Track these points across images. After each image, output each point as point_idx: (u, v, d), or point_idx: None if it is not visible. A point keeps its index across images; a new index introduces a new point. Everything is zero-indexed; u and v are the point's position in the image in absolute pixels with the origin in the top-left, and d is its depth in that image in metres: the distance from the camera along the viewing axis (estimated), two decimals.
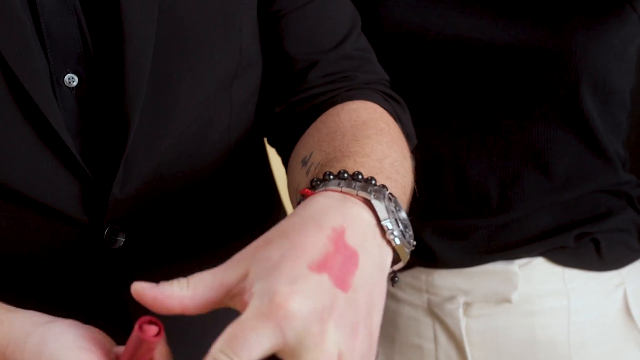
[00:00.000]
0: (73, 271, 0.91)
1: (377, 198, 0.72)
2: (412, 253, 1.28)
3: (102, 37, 0.85)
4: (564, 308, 1.25)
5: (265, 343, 0.62)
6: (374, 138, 0.85)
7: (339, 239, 0.67)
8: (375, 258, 0.69)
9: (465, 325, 1.26)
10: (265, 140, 1.06)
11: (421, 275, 1.29)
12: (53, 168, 0.85)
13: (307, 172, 0.85)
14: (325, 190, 0.74)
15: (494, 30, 1.18)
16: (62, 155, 0.84)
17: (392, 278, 0.76)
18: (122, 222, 0.90)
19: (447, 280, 1.28)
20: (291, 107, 0.98)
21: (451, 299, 1.27)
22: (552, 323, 1.25)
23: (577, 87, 1.18)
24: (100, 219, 0.88)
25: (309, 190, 0.75)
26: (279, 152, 1.02)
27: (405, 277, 1.31)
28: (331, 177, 0.75)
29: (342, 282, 0.65)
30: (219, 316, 0.73)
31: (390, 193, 0.74)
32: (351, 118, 0.90)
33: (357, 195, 0.72)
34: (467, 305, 1.27)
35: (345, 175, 0.75)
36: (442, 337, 1.29)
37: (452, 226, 1.27)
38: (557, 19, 1.18)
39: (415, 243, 0.75)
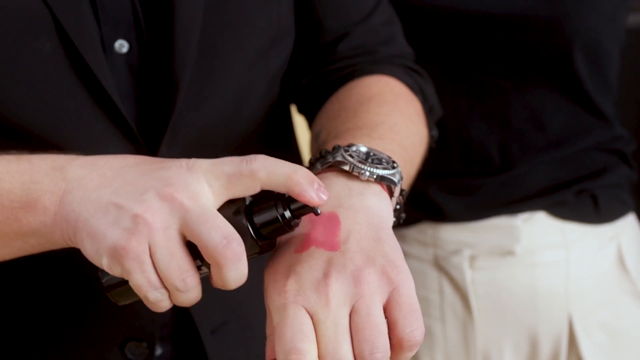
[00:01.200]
0: None
1: (336, 158, 0.79)
2: (419, 208, 1.34)
3: (152, 5, 0.89)
4: (563, 260, 1.32)
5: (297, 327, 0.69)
6: (373, 110, 0.91)
7: (313, 215, 0.74)
8: (357, 205, 0.76)
9: (470, 277, 1.32)
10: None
11: (427, 229, 1.35)
12: (103, 129, 0.88)
13: (317, 149, 0.92)
14: None
15: (490, 1, 1.23)
16: (113, 116, 0.88)
17: (399, 214, 0.83)
18: None
19: (452, 234, 1.34)
20: (318, 78, 1.03)
21: (457, 252, 1.33)
22: (551, 274, 1.32)
23: (570, 52, 1.25)
24: None
25: None
26: (307, 120, 1.06)
27: (411, 232, 1.37)
28: (315, 162, 0.83)
29: (330, 245, 0.73)
30: None
31: (349, 145, 0.80)
32: (359, 93, 0.96)
33: (321, 169, 0.80)
34: (472, 258, 1.32)
35: (320, 154, 0.82)
36: (448, 289, 1.35)
37: (456, 184, 1.33)
38: None
39: (396, 166, 0.80)
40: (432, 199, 1.33)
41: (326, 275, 0.70)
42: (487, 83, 1.28)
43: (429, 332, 1.36)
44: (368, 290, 0.69)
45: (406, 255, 1.37)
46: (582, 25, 1.23)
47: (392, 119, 0.91)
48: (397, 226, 0.81)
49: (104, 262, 0.71)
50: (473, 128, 1.30)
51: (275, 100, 1.03)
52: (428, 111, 1.01)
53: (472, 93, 1.28)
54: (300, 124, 1.14)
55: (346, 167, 0.78)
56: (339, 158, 0.78)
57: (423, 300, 1.37)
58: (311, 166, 0.82)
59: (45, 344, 0.93)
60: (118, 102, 0.87)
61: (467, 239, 1.33)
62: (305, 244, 0.73)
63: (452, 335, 1.35)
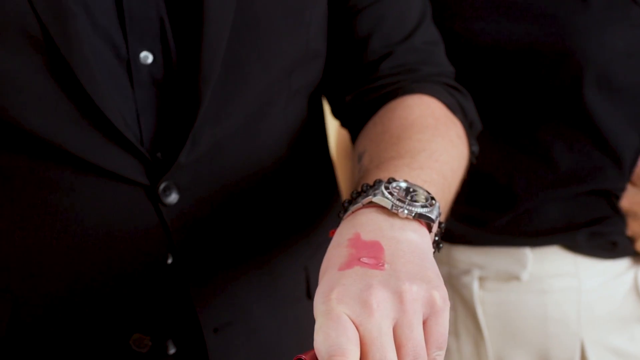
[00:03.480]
0: (127, 230, 0.97)
1: (376, 195, 0.80)
2: None
3: (180, 20, 0.91)
4: (575, 288, 1.29)
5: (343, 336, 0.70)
6: (415, 137, 0.93)
7: (356, 241, 0.76)
8: (399, 237, 0.77)
9: (479, 297, 1.32)
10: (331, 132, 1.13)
11: (443, 248, 1.35)
12: (111, 149, 0.91)
13: (359, 171, 0.95)
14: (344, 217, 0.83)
15: (498, 32, 1.19)
16: (120, 142, 0.91)
17: (437, 245, 0.85)
18: (178, 183, 0.95)
19: (464, 254, 1.34)
20: (361, 96, 1.04)
21: (467, 272, 1.33)
22: (563, 301, 1.29)
23: (579, 86, 1.19)
24: (157, 180, 0.94)
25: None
26: (350, 135, 1.09)
27: None
28: (357, 196, 0.84)
29: (375, 264, 0.74)
30: None
31: (389, 181, 0.81)
32: (401, 116, 0.97)
33: (362, 205, 0.81)
34: (481, 279, 1.32)
35: (362, 189, 0.84)
36: (460, 307, 1.35)
37: (466, 213, 1.31)
38: (558, 21, 1.18)
39: (434, 203, 0.81)
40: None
41: (370, 287, 0.71)
42: (495, 117, 1.26)
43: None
44: (412, 308, 0.71)
45: None
46: (592, 58, 1.18)
47: (434, 145, 0.92)
48: None
49: None
50: (483, 159, 1.27)
51: (302, 115, 1.05)
52: (468, 128, 1.03)
53: (483, 121, 1.26)
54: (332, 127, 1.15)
55: (386, 205, 0.79)
56: (379, 196, 0.80)
57: None
58: (353, 200, 0.84)
59: (56, 337, 0.97)
60: (122, 128, 0.90)
61: (477, 261, 1.33)
62: (349, 263, 0.75)
63: (466, 349, 1.36)
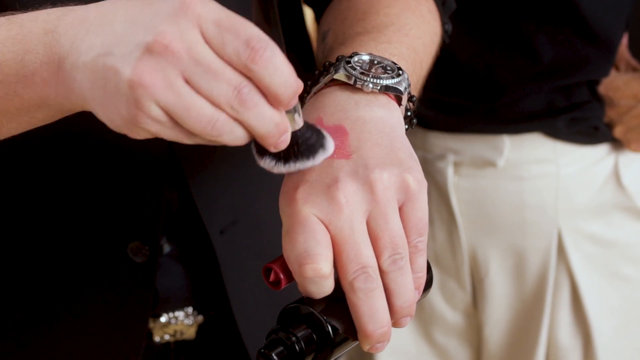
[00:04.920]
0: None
1: (338, 71, 0.75)
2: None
3: None
4: (553, 174, 1.27)
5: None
6: (382, 11, 0.87)
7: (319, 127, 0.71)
8: (365, 116, 0.72)
9: (453, 183, 1.30)
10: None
11: (418, 132, 1.32)
12: None
13: (323, 51, 0.89)
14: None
15: None
16: None
17: (411, 121, 0.80)
18: None
19: (439, 139, 1.31)
20: None
21: (442, 157, 1.31)
22: (540, 188, 1.27)
23: None
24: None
25: None
26: (315, 15, 1.02)
27: None
28: (319, 76, 0.78)
29: (339, 154, 0.69)
30: None
31: (351, 55, 0.76)
32: None
33: (324, 85, 0.76)
34: (456, 164, 1.30)
35: (324, 67, 0.78)
36: (434, 194, 1.33)
37: (444, 101, 1.29)
38: None
39: (402, 73, 0.75)
40: (420, 112, 1.28)
41: (337, 180, 0.67)
42: (478, 6, 1.21)
43: None
44: (384, 197, 0.67)
45: None
46: None
47: (403, 19, 0.86)
48: None
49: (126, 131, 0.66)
50: (461, 50, 1.24)
51: None
52: (441, 4, 0.96)
53: (462, 15, 1.20)
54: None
55: (348, 80, 0.74)
56: (341, 71, 0.75)
57: None
58: (315, 80, 0.79)
59: (47, 250, 0.92)
60: None
61: (452, 146, 1.30)
62: None
63: (440, 236, 1.34)
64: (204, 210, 0.92)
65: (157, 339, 0.94)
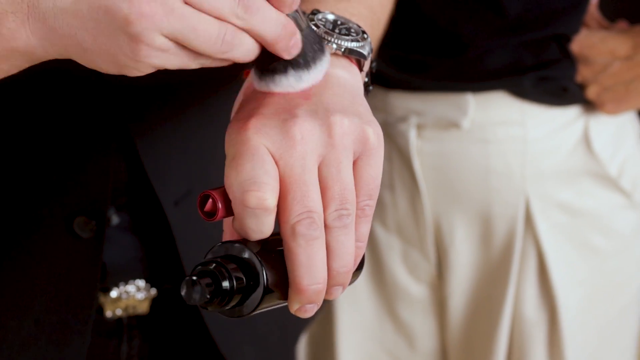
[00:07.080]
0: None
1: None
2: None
3: None
4: (520, 137, 1.23)
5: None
6: None
7: None
8: (329, 72, 0.70)
9: (416, 146, 1.25)
10: None
11: (378, 93, 1.27)
12: None
13: None
14: None
15: None
16: None
17: (367, 87, 0.77)
18: None
19: (400, 100, 1.26)
20: None
21: (404, 119, 1.26)
22: (507, 152, 1.23)
23: None
24: None
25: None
26: None
27: None
28: None
29: (301, 94, 0.67)
30: None
31: (313, 12, 0.73)
32: None
33: None
34: (419, 127, 1.26)
35: None
36: (396, 158, 1.28)
37: (405, 59, 1.25)
38: None
39: (366, 37, 0.73)
40: (381, 70, 1.23)
41: (295, 116, 0.64)
42: None
43: (379, 200, 1.29)
44: (341, 143, 0.64)
45: None
46: None
47: None
48: None
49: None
50: (424, 2, 1.21)
51: None
52: None
53: None
54: None
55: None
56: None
57: None
58: None
59: None
60: None
61: (414, 107, 1.25)
62: (270, 93, 0.67)
63: (402, 204, 1.29)
64: (156, 181, 0.88)
65: (108, 314, 0.90)
